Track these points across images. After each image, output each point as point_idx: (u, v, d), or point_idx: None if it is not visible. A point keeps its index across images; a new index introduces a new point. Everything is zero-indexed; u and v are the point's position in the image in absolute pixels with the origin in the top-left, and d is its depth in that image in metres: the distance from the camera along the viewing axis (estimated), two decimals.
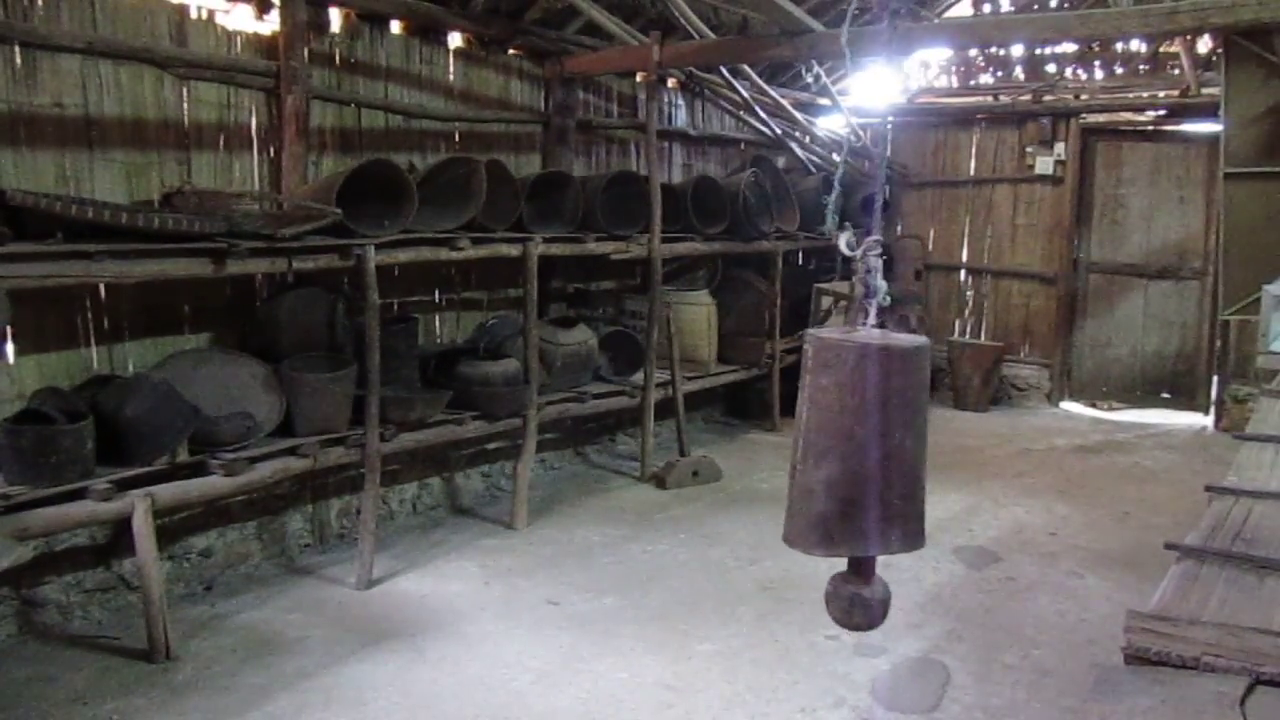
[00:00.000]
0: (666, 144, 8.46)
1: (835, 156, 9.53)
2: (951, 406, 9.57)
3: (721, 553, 5.69)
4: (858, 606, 2.24)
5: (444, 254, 5.66)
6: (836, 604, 2.26)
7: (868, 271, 2.25)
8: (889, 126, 10.47)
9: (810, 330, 2.22)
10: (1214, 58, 8.43)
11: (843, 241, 2.30)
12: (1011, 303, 10.11)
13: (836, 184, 2.65)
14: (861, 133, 10.11)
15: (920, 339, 2.19)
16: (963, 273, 10.29)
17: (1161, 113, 9.29)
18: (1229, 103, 6.69)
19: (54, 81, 4.56)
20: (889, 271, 9.87)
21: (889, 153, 10.42)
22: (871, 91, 10.26)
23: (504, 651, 4.45)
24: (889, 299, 2.25)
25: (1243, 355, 8.66)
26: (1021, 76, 9.96)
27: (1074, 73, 9.75)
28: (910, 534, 2.18)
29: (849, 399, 2.08)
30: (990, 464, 7.70)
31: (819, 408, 2.11)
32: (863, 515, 2.11)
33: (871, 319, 2.24)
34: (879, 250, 2.25)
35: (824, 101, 9.77)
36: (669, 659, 4.39)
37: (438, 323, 6.62)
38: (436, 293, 6.56)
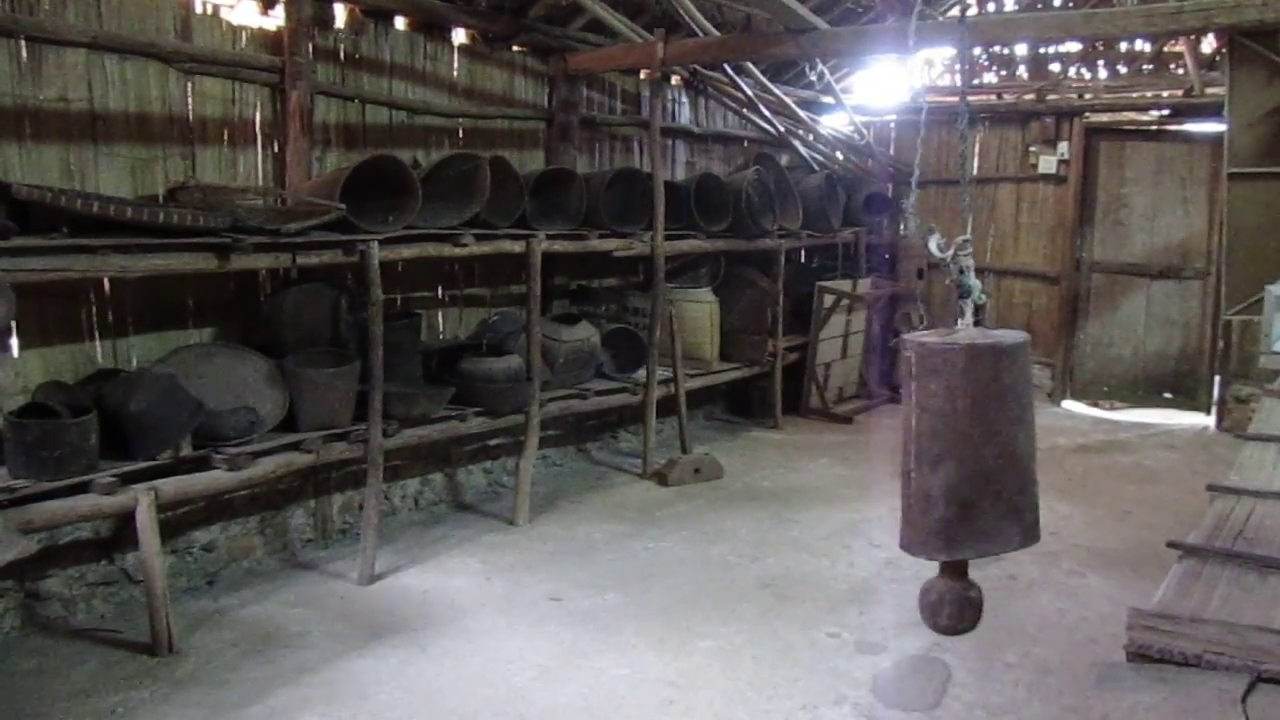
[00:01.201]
0: (670, 141, 8.46)
1: (839, 155, 9.54)
2: None
3: (723, 550, 5.70)
4: (968, 608, 2.23)
5: (448, 250, 5.67)
6: (948, 609, 2.24)
7: (960, 272, 2.25)
8: (906, 125, 10.47)
9: (907, 336, 2.21)
10: (1218, 57, 8.43)
11: (933, 243, 2.30)
12: (1014, 302, 10.10)
13: (914, 186, 2.65)
14: (865, 131, 10.12)
15: (1020, 334, 2.19)
16: None
17: (1165, 112, 9.28)
18: (1233, 103, 6.68)
19: (59, 76, 4.57)
20: (892, 270, 9.90)
21: (892, 151, 10.42)
22: (875, 90, 10.27)
23: (505, 647, 4.45)
24: (984, 296, 2.25)
25: (1245, 355, 8.65)
26: (1025, 75, 9.96)
27: (1078, 72, 9.74)
28: (1027, 528, 2.18)
29: (960, 401, 2.08)
30: None
31: (930, 412, 2.11)
32: (983, 515, 2.11)
33: (968, 319, 2.24)
34: (970, 250, 2.25)
35: (827, 100, 9.77)
36: (670, 655, 4.40)
37: (441, 319, 6.62)
38: (440, 289, 6.56)
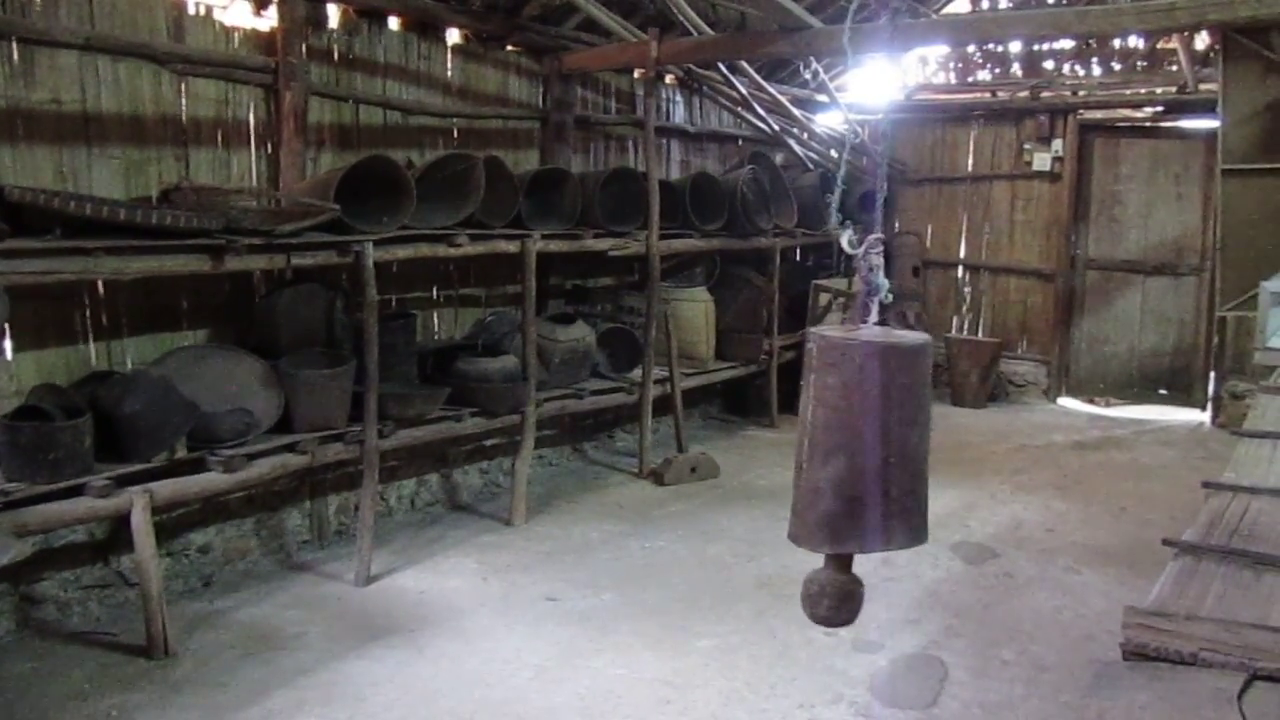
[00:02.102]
0: (664, 140, 8.46)
1: (834, 153, 9.54)
2: (949, 403, 9.58)
3: (719, 549, 5.70)
4: (850, 600, 2.24)
5: (442, 250, 5.66)
6: (824, 600, 2.25)
7: (870, 269, 2.26)
8: (889, 123, 10.47)
9: (813, 329, 2.22)
10: (1212, 54, 8.44)
11: (844, 239, 2.31)
12: (1009, 299, 10.11)
13: (839, 182, 2.66)
14: (860, 129, 10.12)
15: (922, 336, 2.20)
16: (960, 269, 10.29)
17: (1159, 109, 9.29)
18: (1226, 99, 6.69)
19: (52, 77, 4.55)
20: (888, 268, 9.88)
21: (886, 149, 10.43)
22: (869, 88, 10.27)
23: (502, 648, 4.45)
24: (890, 296, 2.26)
25: (1240, 351, 8.66)
26: (1019, 73, 9.95)
27: (1072, 69, 9.74)
28: (914, 529, 2.18)
29: (854, 397, 2.08)
30: (988, 460, 7.71)
31: (825, 406, 2.12)
32: (868, 512, 2.12)
33: (874, 316, 2.24)
34: (880, 248, 2.26)
35: (822, 98, 9.77)
36: (667, 655, 4.40)
37: (436, 319, 6.62)
38: (435, 289, 6.56)
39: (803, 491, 2.17)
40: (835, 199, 2.59)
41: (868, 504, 2.11)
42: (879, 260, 2.27)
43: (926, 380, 2.18)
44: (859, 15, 8.24)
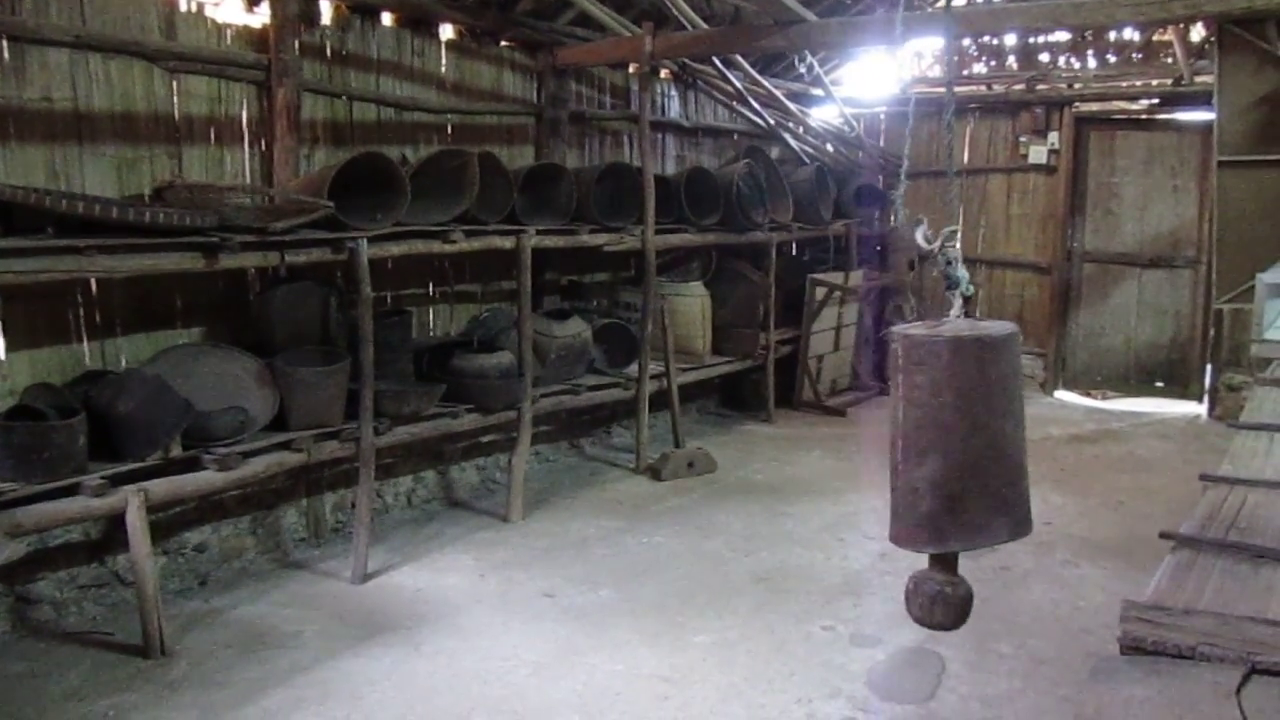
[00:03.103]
0: (660, 135, 8.44)
1: (829, 147, 9.53)
2: None
3: (717, 544, 5.69)
4: (939, 603, 2.21)
5: (437, 247, 5.65)
6: (918, 601, 2.22)
7: (948, 263, 2.23)
8: (884, 116, 10.46)
9: (895, 328, 2.19)
10: (1207, 46, 8.43)
11: (920, 234, 2.28)
12: (1005, 292, 10.11)
13: (903, 178, 2.63)
14: (855, 123, 10.11)
15: (1009, 326, 2.16)
16: None
17: (1155, 101, 9.28)
18: (1222, 91, 6.69)
19: (43, 75, 4.53)
20: (883, 262, 9.89)
21: (881, 142, 10.41)
22: (864, 82, 10.25)
23: (500, 644, 4.44)
24: (971, 288, 2.23)
25: (1236, 344, 8.65)
26: (1015, 66, 9.94)
27: (1067, 62, 9.73)
28: (1018, 521, 2.16)
29: (945, 394, 2.06)
30: None
31: (916, 405, 2.09)
32: (970, 508, 2.09)
33: (956, 310, 2.22)
34: (957, 240, 2.23)
35: (817, 92, 9.76)
36: (665, 651, 4.40)
37: (431, 316, 6.60)
38: (430, 286, 6.55)
39: (901, 493, 2.14)
40: (900, 193, 2.57)
41: (968, 500, 2.09)
42: (957, 253, 2.24)
43: (1017, 370, 2.15)
44: (855, 8, 8.23)
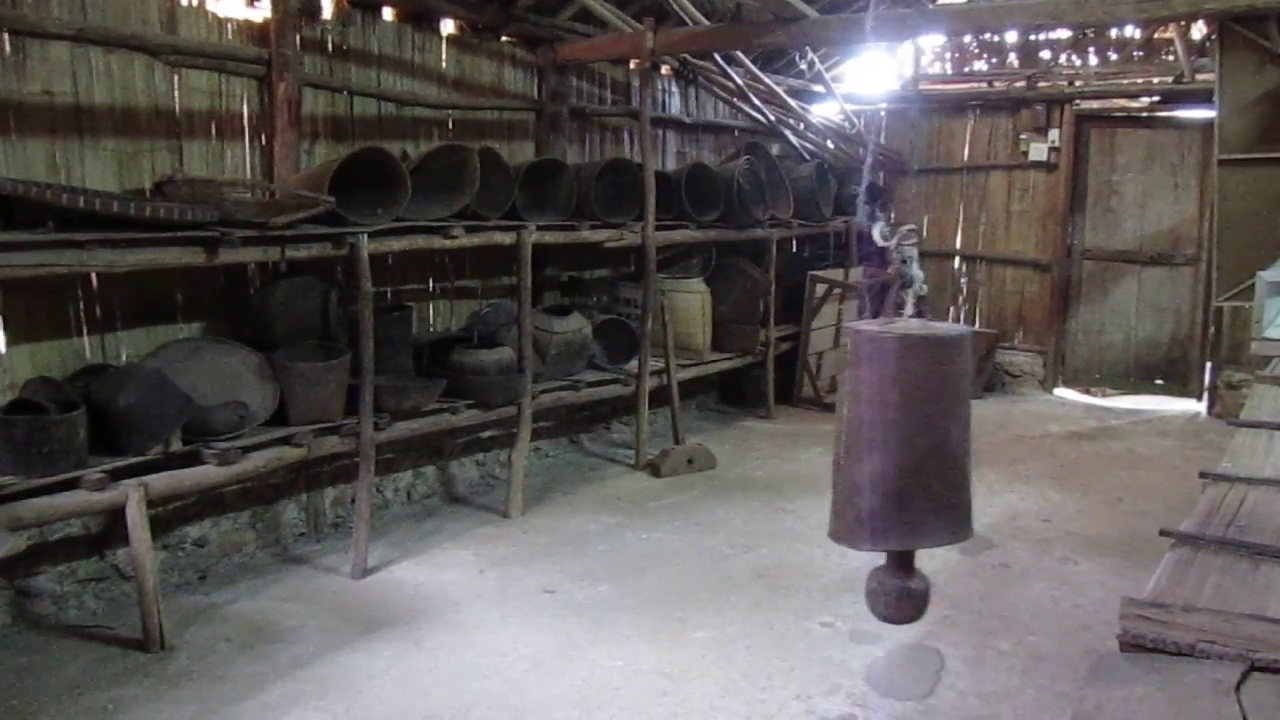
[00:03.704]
0: (660, 131, 8.44)
1: (829, 144, 9.52)
2: None
3: (716, 540, 5.70)
4: (905, 599, 2.21)
5: (437, 242, 5.65)
6: (883, 598, 2.23)
7: (903, 261, 2.24)
8: (885, 113, 10.45)
9: (851, 324, 2.19)
10: (1208, 44, 8.43)
11: (877, 231, 2.28)
12: (1005, 290, 10.11)
13: (866, 174, 2.64)
14: (856, 120, 10.10)
15: (961, 327, 2.16)
16: (957, 260, 10.28)
17: (1155, 99, 9.28)
18: (1223, 89, 6.68)
19: (44, 69, 4.53)
20: (883, 259, 9.89)
21: (882, 139, 10.40)
22: (865, 78, 10.24)
23: (499, 640, 4.45)
24: (925, 288, 2.24)
25: (1236, 341, 8.66)
26: (1015, 63, 9.94)
27: (1068, 59, 9.73)
28: (958, 525, 2.16)
29: (892, 392, 2.05)
30: (984, 451, 7.70)
31: (862, 401, 2.08)
32: (910, 508, 2.08)
33: (909, 309, 2.21)
34: (914, 239, 2.24)
35: (818, 88, 9.75)
36: (664, 647, 4.40)
37: (431, 311, 6.60)
38: (430, 281, 6.54)
39: (842, 489, 2.14)
40: (863, 191, 2.57)
41: (909, 500, 2.08)
42: (913, 251, 2.25)
43: (966, 373, 2.15)
44: (856, 5, 8.22)
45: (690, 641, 4.46)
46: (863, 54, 10.09)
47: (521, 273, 6.04)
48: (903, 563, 2.20)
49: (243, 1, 5.33)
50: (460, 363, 5.94)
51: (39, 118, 4.53)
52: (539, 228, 6.18)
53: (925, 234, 10.27)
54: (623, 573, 5.23)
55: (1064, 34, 9.50)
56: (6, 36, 4.39)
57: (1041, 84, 9.65)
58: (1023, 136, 9.78)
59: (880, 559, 2.25)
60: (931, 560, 5.35)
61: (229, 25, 5.27)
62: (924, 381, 2.04)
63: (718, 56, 7.81)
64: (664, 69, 8.31)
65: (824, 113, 9.84)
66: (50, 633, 4.46)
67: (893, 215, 10.27)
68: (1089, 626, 4.61)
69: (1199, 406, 9.08)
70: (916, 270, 2.16)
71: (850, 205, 9.35)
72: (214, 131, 5.25)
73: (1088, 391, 9.78)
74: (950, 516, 2.13)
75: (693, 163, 8.03)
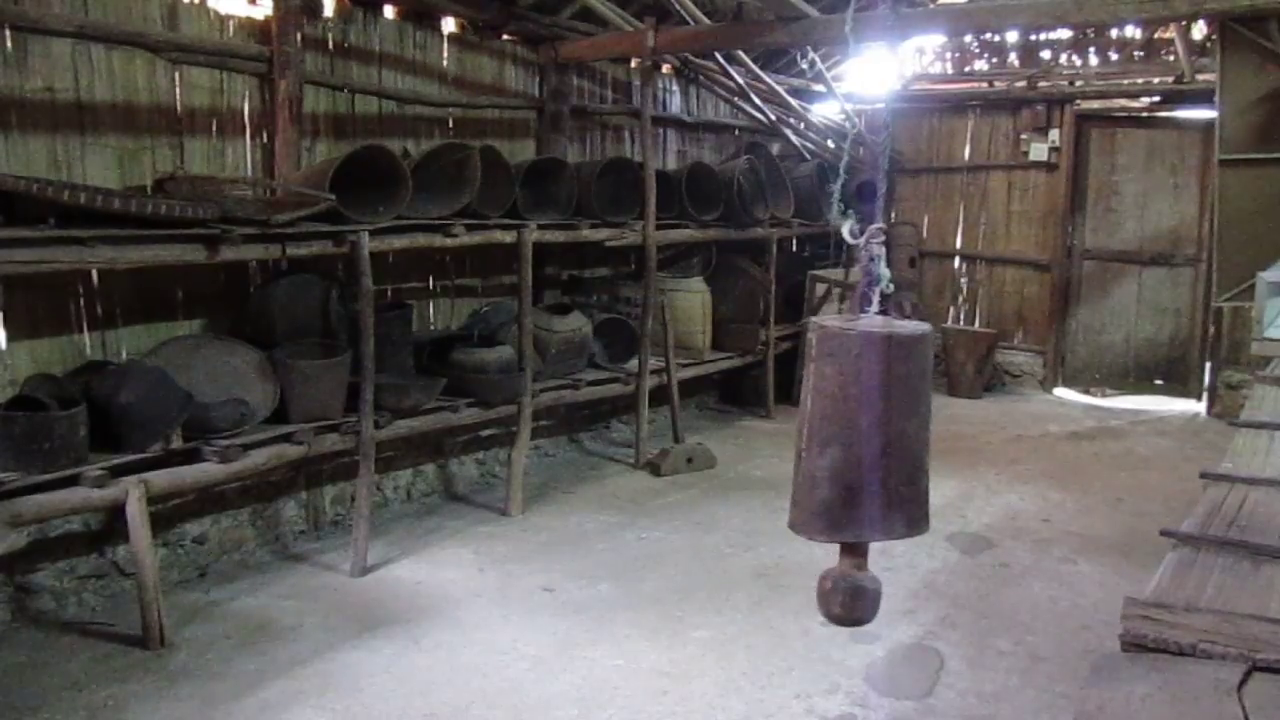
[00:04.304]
0: (661, 130, 8.44)
1: (830, 143, 9.52)
2: (945, 393, 9.57)
3: (716, 539, 5.70)
4: (858, 597, 2.23)
5: (438, 240, 5.65)
6: (838, 597, 2.24)
7: (871, 259, 2.25)
8: (888, 112, 10.45)
9: (813, 318, 2.21)
10: (1209, 44, 8.42)
11: (846, 229, 2.30)
12: (1005, 289, 10.11)
13: (841, 171, 2.65)
14: (857, 119, 10.10)
15: (922, 326, 2.19)
16: (957, 259, 10.29)
17: (1156, 99, 9.28)
18: (1224, 89, 6.68)
19: (45, 65, 4.53)
20: (885, 257, 9.88)
21: (881, 139, 10.39)
22: (866, 78, 10.24)
23: (499, 638, 4.45)
24: (891, 286, 2.25)
25: (1236, 342, 8.68)
26: (1016, 63, 9.94)
27: (1069, 59, 9.73)
28: (913, 520, 2.18)
29: (851, 387, 2.08)
30: (984, 451, 7.71)
31: (823, 395, 2.11)
32: (866, 501, 2.11)
33: (874, 306, 2.24)
34: (882, 238, 2.25)
35: (819, 88, 9.75)
36: (664, 645, 4.40)
37: (432, 309, 6.60)
38: (431, 279, 6.54)
39: (801, 480, 2.17)
40: (837, 189, 2.58)
41: (865, 493, 2.11)
42: (880, 250, 2.26)
43: (926, 371, 2.17)
44: (858, 4, 8.22)
45: (690, 640, 4.46)
46: (863, 53, 10.08)
47: (522, 271, 6.04)
48: (856, 557, 2.22)
49: None
50: (460, 361, 5.94)
51: (40, 114, 4.53)
52: (540, 226, 6.18)
53: (925, 234, 10.28)
54: (622, 572, 5.23)
55: (1064, 34, 9.50)
56: (8, 33, 4.39)
57: (1042, 84, 9.65)
58: (1023, 136, 9.78)
59: (833, 560, 2.26)
60: (931, 559, 5.37)
61: (230, 22, 5.27)
62: (883, 378, 2.07)
63: (719, 55, 7.81)
64: (665, 68, 8.31)
65: (825, 112, 9.84)
66: (50, 629, 4.46)
67: (893, 215, 10.27)
68: (1088, 626, 4.61)
69: (1199, 407, 9.09)
70: (883, 268, 2.17)
71: (850, 204, 9.34)
72: (215, 129, 5.25)
73: (1087, 391, 9.78)
74: (906, 510, 2.16)
75: (693, 162, 8.04)
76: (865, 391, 2.08)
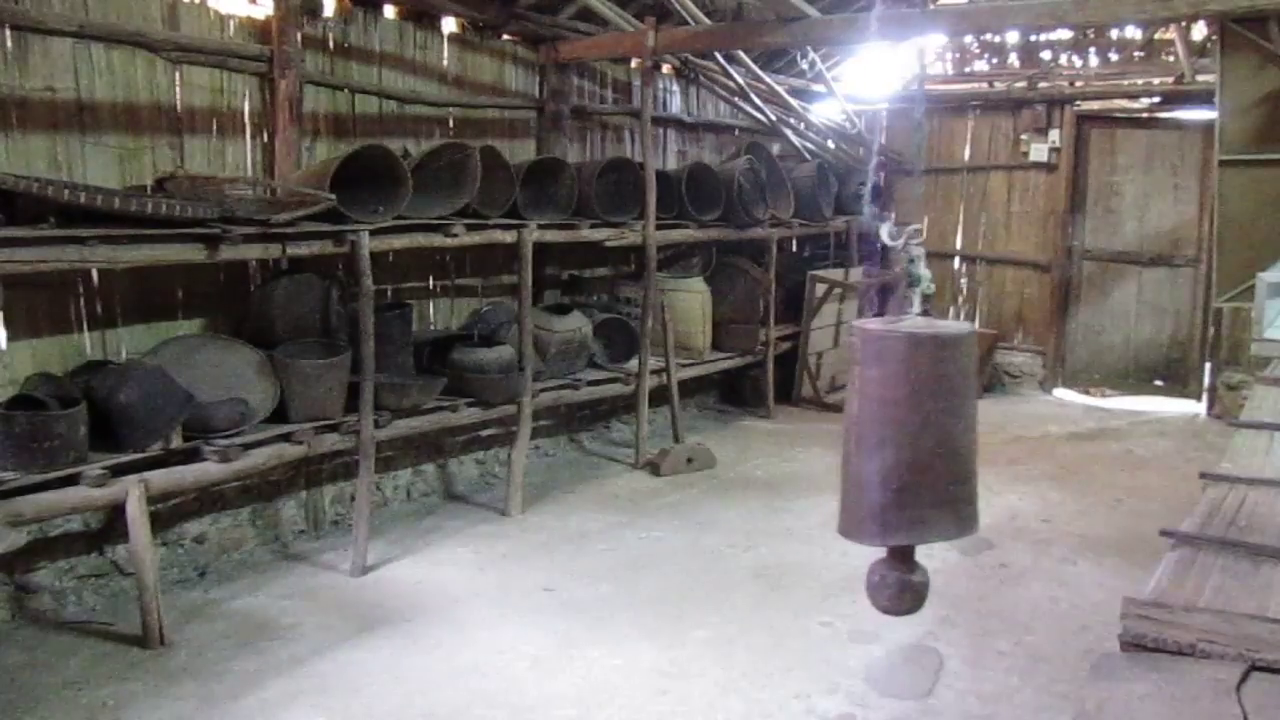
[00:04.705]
0: (661, 130, 8.44)
1: (830, 144, 9.52)
2: None
3: (716, 539, 5.70)
4: (906, 591, 2.23)
5: (438, 240, 5.65)
6: (885, 591, 2.25)
7: (910, 261, 2.26)
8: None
9: (855, 322, 2.21)
10: (1209, 44, 8.42)
11: (885, 231, 2.31)
12: (1005, 290, 10.11)
13: (871, 174, 2.65)
14: (857, 120, 10.10)
15: (966, 326, 2.19)
16: (957, 260, 10.27)
17: (1156, 100, 9.28)
18: (1224, 90, 6.68)
19: (45, 65, 4.53)
20: (883, 259, 9.89)
21: (883, 140, 10.40)
22: (867, 78, 10.24)
23: (498, 638, 4.45)
24: (932, 286, 2.25)
25: (1236, 342, 8.68)
26: (1016, 63, 9.94)
27: (1069, 60, 9.73)
28: (963, 519, 2.18)
29: (900, 389, 2.08)
30: (983, 451, 7.60)
31: (869, 399, 2.11)
32: (917, 503, 2.11)
33: (915, 307, 2.24)
34: (920, 239, 2.26)
35: (819, 88, 9.74)
36: (663, 645, 4.40)
37: (432, 309, 6.60)
38: (431, 279, 6.54)
39: (850, 485, 2.16)
40: (868, 191, 2.58)
41: (916, 495, 2.10)
42: (919, 251, 2.27)
43: (971, 370, 2.17)
44: (857, 4, 8.22)
45: (689, 640, 4.46)
46: (864, 54, 10.08)
47: (522, 271, 6.04)
48: (905, 556, 2.22)
49: None
50: (460, 361, 5.94)
51: (41, 113, 4.53)
52: (540, 226, 6.18)
53: (925, 234, 10.26)
54: (622, 571, 5.23)
55: (1065, 34, 9.50)
56: (9, 32, 4.39)
57: (1042, 84, 9.64)
58: (1023, 137, 9.78)
59: (880, 552, 2.27)
60: (931, 559, 5.35)
61: (231, 22, 5.27)
62: (930, 379, 2.07)
63: (719, 55, 7.81)
64: (665, 68, 8.31)
65: (825, 112, 9.83)
66: (49, 629, 4.46)
67: (893, 215, 10.26)
68: (1088, 627, 4.61)
69: (1198, 407, 9.09)
70: (923, 269, 2.17)
71: (850, 205, 9.35)
72: (215, 128, 5.25)
73: (1087, 392, 9.78)
74: (956, 511, 2.15)
75: (693, 162, 8.03)
76: (913, 393, 2.08)
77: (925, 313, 2.24)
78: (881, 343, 2.09)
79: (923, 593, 2.27)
